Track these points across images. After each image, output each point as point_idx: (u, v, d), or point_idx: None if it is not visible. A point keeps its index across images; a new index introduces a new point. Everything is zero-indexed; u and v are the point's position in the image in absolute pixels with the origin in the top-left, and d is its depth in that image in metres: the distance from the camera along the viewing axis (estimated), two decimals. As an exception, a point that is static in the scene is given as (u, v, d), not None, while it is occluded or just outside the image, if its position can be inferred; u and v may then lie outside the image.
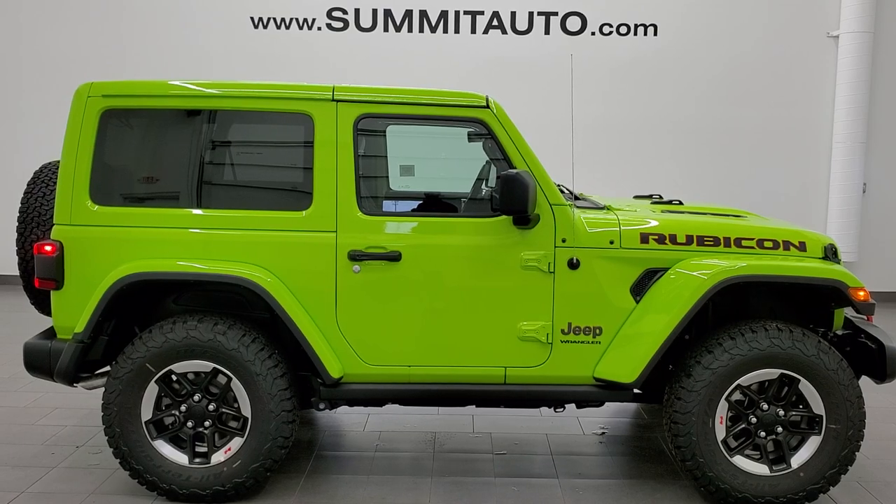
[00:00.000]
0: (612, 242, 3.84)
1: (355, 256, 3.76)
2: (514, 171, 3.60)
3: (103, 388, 3.81)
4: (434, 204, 4.65)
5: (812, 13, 9.61)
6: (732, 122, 9.73)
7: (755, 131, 9.73)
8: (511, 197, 3.58)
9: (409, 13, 9.70)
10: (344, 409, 5.01)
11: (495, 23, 9.71)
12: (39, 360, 3.84)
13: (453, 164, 4.83)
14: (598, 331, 3.85)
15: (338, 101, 3.81)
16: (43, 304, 4.08)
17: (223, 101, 3.84)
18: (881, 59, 9.55)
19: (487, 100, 3.84)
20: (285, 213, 3.80)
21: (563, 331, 3.84)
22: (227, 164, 4.01)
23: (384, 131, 4.39)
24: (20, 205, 4.10)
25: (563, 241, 3.81)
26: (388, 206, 4.50)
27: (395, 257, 3.77)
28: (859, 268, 9.35)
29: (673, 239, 3.87)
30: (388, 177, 4.80)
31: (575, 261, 3.80)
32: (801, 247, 3.94)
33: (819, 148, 9.77)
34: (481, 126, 3.84)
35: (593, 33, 9.69)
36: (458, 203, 4.64)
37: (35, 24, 9.71)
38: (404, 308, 3.82)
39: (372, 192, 4.14)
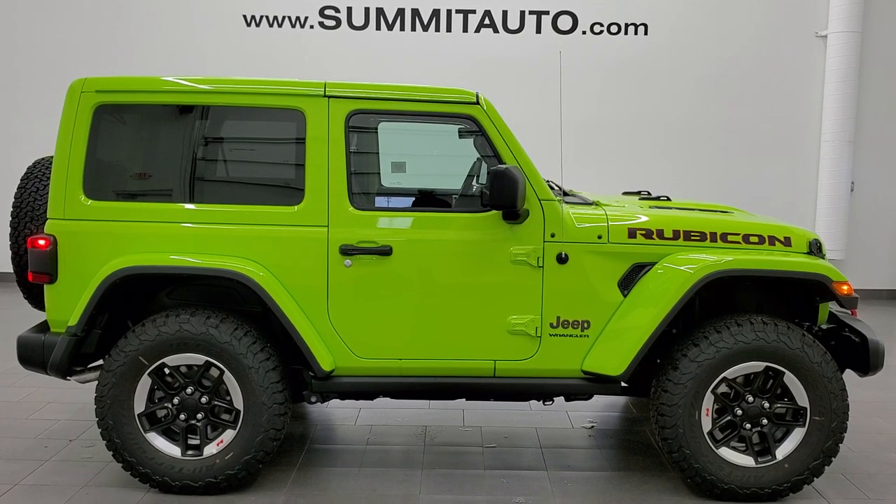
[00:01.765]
0: (600, 237, 3.88)
1: (346, 251, 3.80)
2: (504, 166, 3.64)
3: (96, 382, 3.84)
4: (425, 200, 4.69)
5: (801, 13, 9.70)
6: (722, 120, 9.81)
7: (744, 130, 9.82)
8: (500, 192, 3.62)
9: (401, 12, 9.74)
10: (335, 402, 5.05)
11: (487, 22, 9.76)
12: (33, 354, 3.87)
13: (444, 161, 4.88)
14: (586, 324, 3.89)
15: (329, 97, 3.84)
16: (36, 299, 4.10)
17: (216, 96, 3.87)
18: (869, 58, 9.65)
19: (477, 96, 3.88)
20: (277, 207, 3.84)
21: (551, 324, 3.89)
22: (219, 159, 4.04)
23: (376, 127, 4.43)
24: (13, 200, 4.13)
25: (552, 235, 3.86)
26: (379, 201, 4.54)
27: (386, 252, 3.81)
28: (847, 265, 9.44)
29: (660, 234, 3.92)
30: (379, 173, 4.85)
31: (563, 255, 3.85)
32: (787, 242, 4.00)
33: (807, 147, 9.86)
34: (471, 122, 3.88)
35: (584, 32, 9.76)
36: (449, 199, 4.68)
37: (30, 21, 9.71)
38: (395, 302, 3.86)
39: (363, 187, 4.18)
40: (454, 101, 3.87)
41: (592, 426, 5.03)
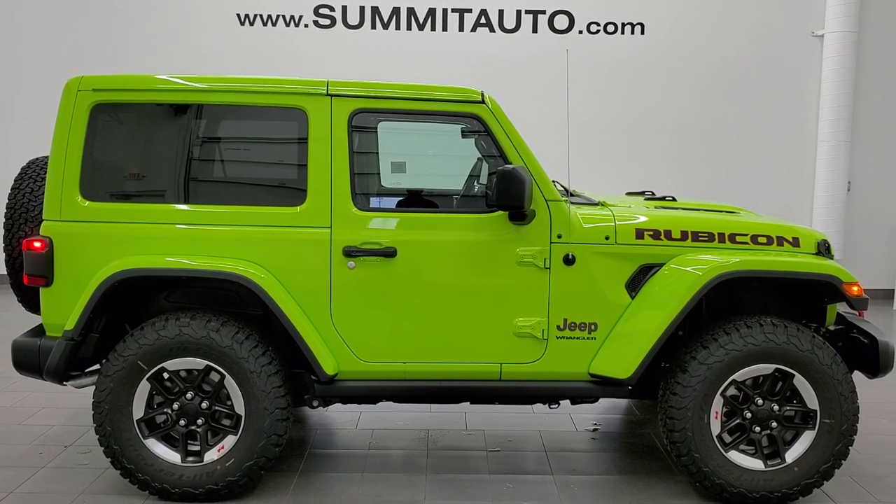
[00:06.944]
0: (607, 238, 3.83)
1: (350, 253, 3.73)
2: (511, 166, 3.58)
3: (93, 387, 3.76)
4: (429, 200, 4.63)
5: (797, 13, 9.69)
6: (718, 120, 9.79)
7: (741, 129, 9.80)
8: (507, 193, 3.56)
9: (396, 10, 9.68)
10: (336, 406, 4.95)
11: (483, 21, 9.70)
12: (28, 359, 3.77)
13: (446, 160, 4.81)
14: (593, 327, 3.84)
15: (332, 95, 3.77)
16: (31, 302, 4.01)
17: (217, 95, 3.79)
18: (865, 58, 9.64)
19: (483, 95, 3.82)
20: (279, 208, 3.76)
21: (558, 327, 3.83)
22: (221, 159, 3.96)
23: (377, 127, 4.36)
24: (7, 201, 4.04)
25: (559, 236, 3.80)
26: (383, 202, 4.47)
27: (390, 253, 3.74)
28: (844, 265, 9.35)
29: (668, 234, 3.87)
30: (379, 173, 4.77)
31: (570, 257, 3.79)
32: (795, 242, 3.96)
33: (804, 146, 9.85)
34: (476, 122, 3.82)
35: (581, 32, 9.71)
36: (452, 199, 4.62)
37: (25, 21, 9.58)
38: (400, 304, 3.79)
39: (367, 188, 4.11)
40: (459, 99, 3.81)
41: (596, 429, 4.98)
